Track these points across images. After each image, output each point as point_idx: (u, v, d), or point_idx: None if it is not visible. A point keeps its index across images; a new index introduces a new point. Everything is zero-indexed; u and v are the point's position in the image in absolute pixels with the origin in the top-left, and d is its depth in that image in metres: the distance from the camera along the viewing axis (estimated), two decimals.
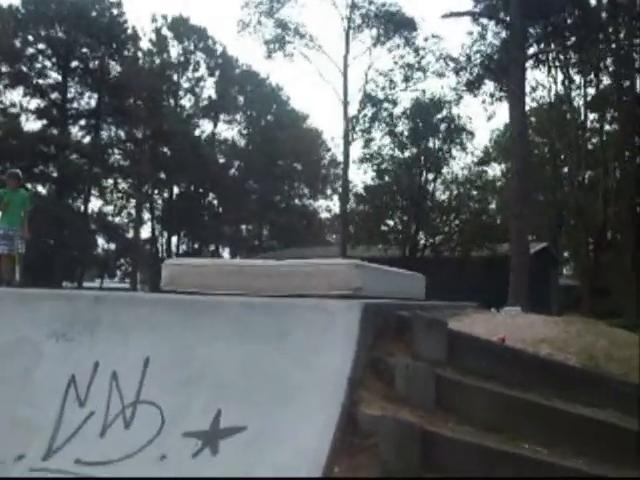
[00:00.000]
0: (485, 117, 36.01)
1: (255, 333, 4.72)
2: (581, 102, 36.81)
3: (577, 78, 36.23)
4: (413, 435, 4.19)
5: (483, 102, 34.58)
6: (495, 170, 48.20)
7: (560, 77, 36.02)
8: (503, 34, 30.89)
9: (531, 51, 31.49)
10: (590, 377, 4.99)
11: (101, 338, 5.18)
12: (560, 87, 36.54)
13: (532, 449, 4.30)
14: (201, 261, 7.21)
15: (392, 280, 7.08)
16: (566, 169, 39.22)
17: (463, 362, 4.90)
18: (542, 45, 32.41)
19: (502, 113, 30.20)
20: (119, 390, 4.82)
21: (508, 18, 27.69)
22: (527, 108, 36.34)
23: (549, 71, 35.74)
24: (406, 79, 39.05)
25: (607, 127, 38.13)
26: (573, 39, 32.18)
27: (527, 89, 34.73)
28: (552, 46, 32.73)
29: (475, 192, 40.26)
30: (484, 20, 32.62)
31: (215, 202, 59.97)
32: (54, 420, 4.81)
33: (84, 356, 5.09)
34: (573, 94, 36.74)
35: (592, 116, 38.11)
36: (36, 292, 6.33)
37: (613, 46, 32.66)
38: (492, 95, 33.82)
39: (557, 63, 35.24)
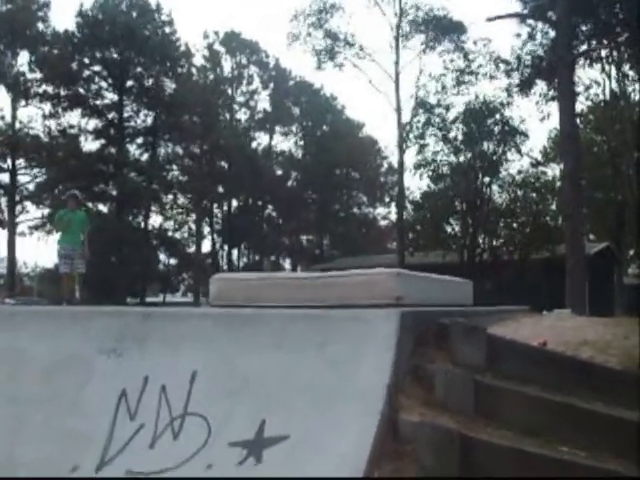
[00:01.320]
0: (541, 118, 35.17)
1: (295, 344, 4.83)
2: (637, 97, 36.27)
3: (631, 73, 35.69)
4: (451, 440, 4.25)
5: (537, 103, 34.30)
6: (555, 170, 47.63)
7: (614, 73, 35.57)
8: (552, 33, 30.61)
9: (582, 48, 31.18)
10: (630, 379, 4.98)
11: (150, 353, 5.32)
12: (614, 83, 36.08)
13: (571, 452, 4.32)
14: (246, 275, 7.33)
15: (436, 287, 7.11)
16: (625, 167, 38.60)
17: (502, 367, 4.93)
18: (593, 42, 32.07)
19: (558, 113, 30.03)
20: (168, 403, 4.96)
21: (555, 17, 27.38)
22: (582, 107, 35.97)
23: (602, 68, 35.31)
24: (458, 83, 38.91)
25: None
26: (625, 35, 31.75)
27: (581, 87, 34.51)
28: (603, 43, 32.34)
29: (534, 194, 39.86)
30: (532, 21, 32.37)
31: (274, 214, 60.35)
32: (106, 433, 4.95)
33: (134, 371, 5.23)
34: (629, 90, 36.23)
35: None
36: (88, 309, 6.52)
37: None
38: (545, 95, 33.51)
39: (610, 60, 34.76)
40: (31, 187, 49.81)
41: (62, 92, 49.70)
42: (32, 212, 50.12)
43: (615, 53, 34.00)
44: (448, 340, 5.00)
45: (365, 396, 4.43)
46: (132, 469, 4.69)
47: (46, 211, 48.78)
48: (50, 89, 49.43)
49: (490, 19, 29.23)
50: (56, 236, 13.93)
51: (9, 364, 5.61)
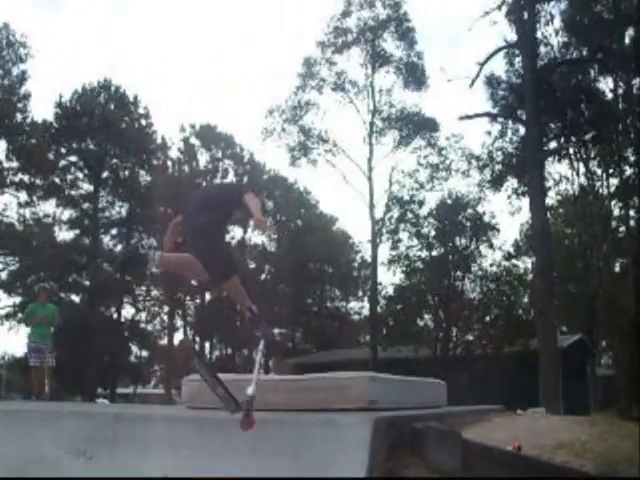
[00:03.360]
0: (511, 212, 35.69)
1: (269, 449, 4.78)
2: (605, 192, 36.86)
3: (598, 171, 36.38)
4: None
5: (508, 198, 34.83)
6: (527, 263, 48.12)
7: (582, 169, 36.22)
8: (522, 131, 31.30)
9: (552, 146, 31.87)
10: None
11: (120, 455, 5.25)
12: (583, 179, 36.72)
13: None
14: (221, 377, 7.27)
15: (409, 390, 7.09)
16: (595, 260, 39.02)
17: (478, 472, 4.90)
18: (562, 140, 32.81)
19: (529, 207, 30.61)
20: None
21: (525, 116, 28.05)
22: (552, 201, 36.50)
23: (571, 164, 35.95)
24: (431, 179, 39.45)
25: (633, 214, 38.08)
26: (591, 133, 32.54)
27: (551, 182, 35.10)
28: (571, 140, 33.10)
29: (506, 287, 40.07)
30: (502, 119, 33.14)
31: None
32: None
33: (103, 473, 5.16)
34: (597, 185, 36.86)
35: (617, 205, 38.07)
36: (57, 409, 6.44)
37: (632, 136, 32.92)
38: (515, 190, 34.07)
39: (578, 156, 35.44)
40: (3, 275, 49.46)
41: (38, 181, 49.81)
42: (4, 300, 49.67)
43: (583, 150, 34.73)
44: (422, 445, 4.95)
45: None
46: None
47: (18, 300, 48.38)
48: (26, 178, 49.51)
49: (462, 118, 29.85)
50: (29, 329, 13.80)
51: None
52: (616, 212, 37.99)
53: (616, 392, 34.70)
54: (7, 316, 49.35)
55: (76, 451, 5.39)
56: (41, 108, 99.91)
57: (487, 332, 38.52)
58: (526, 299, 41.43)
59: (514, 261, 42.03)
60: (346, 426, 4.74)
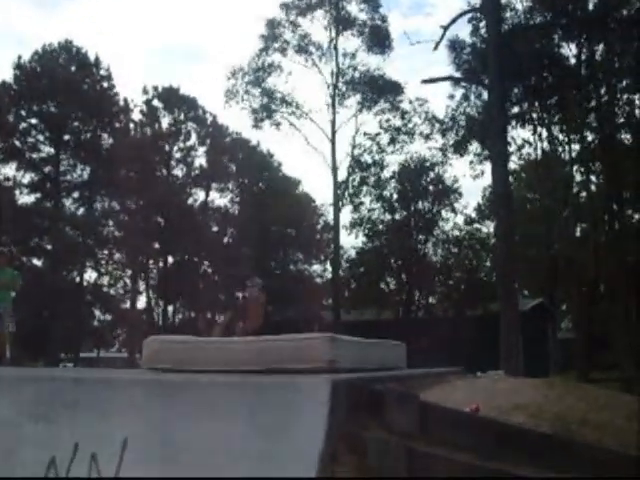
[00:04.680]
0: (474, 176, 35.90)
1: (226, 411, 4.80)
2: (567, 157, 37.15)
3: (561, 135, 36.63)
4: None
5: (471, 162, 35.02)
6: (489, 227, 48.56)
7: (545, 134, 36.44)
8: (485, 96, 31.40)
9: (514, 111, 32.00)
10: (560, 444, 5.04)
11: (81, 419, 5.23)
12: (545, 144, 36.95)
13: None
14: (180, 338, 7.27)
15: (369, 351, 7.13)
16: (557, 224, 39.44)
17: (435, 434, 4.96)
18: (525, 105, 32.95)
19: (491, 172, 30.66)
20: (99, 472, 4.87)
21: (487, 81, 28.12)
22: (515, 166, 36.73)
23: (534, 129, 36.17)
24: (393, 142, 39.48)
25: (594, 179, 38.51)
26: (554, 98, 32.69)
27: (513, 147, 35.32)
28: (534, 105, 33.25)
29: (469, 251, 40.38)
30: (465, 83, 33.20)
31: (209, 270, 60.02)
32: None
33: (64, 438, 5.13)
34: (559, 150, 37.13)
35: (579, 171, 38.43)
36: (16, 374, 6.41)
37: (594, 102, 33.16)
38: (478, 155, 34.27)
39: (541, 121, 35.65)
40: None
41: None
42: None
43: (545, 115, 34.91)
44: (381, 407, 4.99)
45: (298, 464, 4.41)
46: None
47: None
48: None
49: (425, 81, 29.83)
50: None
51: None
52: (578, 177, 38.38)
53: (575, 355, 35.27)
54: None
55: (37, 415, 5.36)
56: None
57: (449, 295, 38.88)
58: (488, 263, 41.85)
59: (477, 225, 42.45)
60: (305, 387, 4.76)
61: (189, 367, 6.09)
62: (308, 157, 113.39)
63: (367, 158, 39.25)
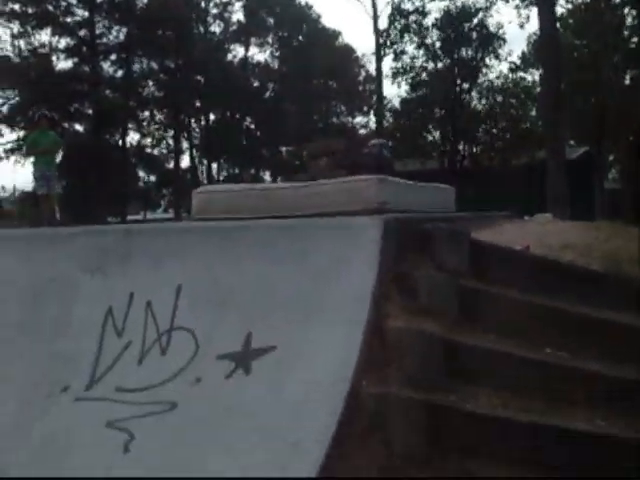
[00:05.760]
0: (520, 24, 34.88)
1: (279, 254, 4.81)
2: (618, 0, 35.71)
3: None
4: (436, 345, 4.29)
5: (516, 7, 33.90)
6: (534, 75, 47.40)
7: None
8: None
9: None
10: (611, 280, 5.02)
11: (134, 270, 5.29)
12: None
13: (555, 354, 4.37)
14: (228, 187, 7.29)
15: (418, 193, 7.10)
16: (605, 71, 38.26)
17: (486, 271, 4.95)
18: None
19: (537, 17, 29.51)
20: (154, 319, 4.95)
21: None
22: (563, 10, 35.51)
23: None
24: None
25: None
26: None
27: None
28: None
29: (513, 99, 39.66)
30: None
31: (252, 126, 59.74)
32: (94, 352, 4.96)
33: (119, 288, 5.20)
34: None
35: (631, 14, 36.94)
36: (69, 230, 6.47)
37: None
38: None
39: None
40: (4, 110, 48.90)
41: (30, 10, 48.39)
42: (7, 136, 49.28)
43: None
44: (431, 245, 4.97)
45: (350, 304, 4.43)
46: (121, 386, 4.72)
47: (21, 133, 47.93)
48: (17, 7, 48.06)
49: None
50: (32, 158, 13.77)
51: None
52: (629, 21, 36.94)
53: (622, 204, 34.92)
54: (12, 150, 49.09)
55: (90, 268, 5.43)
56: None
57: (494, 145, 38.47)
58: (534, 112, 41.10)
59: (521, 74, 41.46)
60: (356, 227, 4.77)
61: (237, 215, 6.11)
62: (347, 7, 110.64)
63: (408, 5, 38.24)
